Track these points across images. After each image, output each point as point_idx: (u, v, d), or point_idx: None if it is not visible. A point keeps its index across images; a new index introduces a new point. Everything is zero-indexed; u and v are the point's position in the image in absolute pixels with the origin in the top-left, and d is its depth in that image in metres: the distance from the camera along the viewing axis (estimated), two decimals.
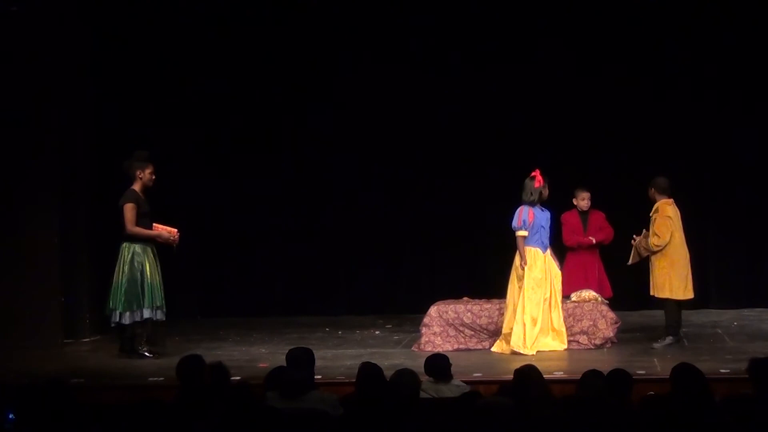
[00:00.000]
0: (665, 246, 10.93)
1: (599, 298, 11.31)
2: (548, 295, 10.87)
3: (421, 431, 6.00)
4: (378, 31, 13.73)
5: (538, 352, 10.68)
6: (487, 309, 11.30)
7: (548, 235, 11.05)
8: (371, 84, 13.71)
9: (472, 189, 13.73)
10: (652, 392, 7.45)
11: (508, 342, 10.80)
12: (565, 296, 11.20)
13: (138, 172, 10.96)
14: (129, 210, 10.85)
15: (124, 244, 10.92)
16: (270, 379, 7.25)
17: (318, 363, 7.74)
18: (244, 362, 10.50)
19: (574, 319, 11.04)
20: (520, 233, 10.85)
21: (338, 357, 10.69)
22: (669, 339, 10.93)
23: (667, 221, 10.94)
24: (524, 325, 10.75)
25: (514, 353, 10.65)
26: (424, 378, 7.60)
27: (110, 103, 13.20)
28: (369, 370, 7.12)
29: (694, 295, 11.20)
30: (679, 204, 11.15)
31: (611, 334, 11.09)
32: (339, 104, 13.86)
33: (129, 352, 10.92)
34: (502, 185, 12.64)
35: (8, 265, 11.97)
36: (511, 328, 10.79)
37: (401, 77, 13.66)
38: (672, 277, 10.97)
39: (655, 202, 11.07)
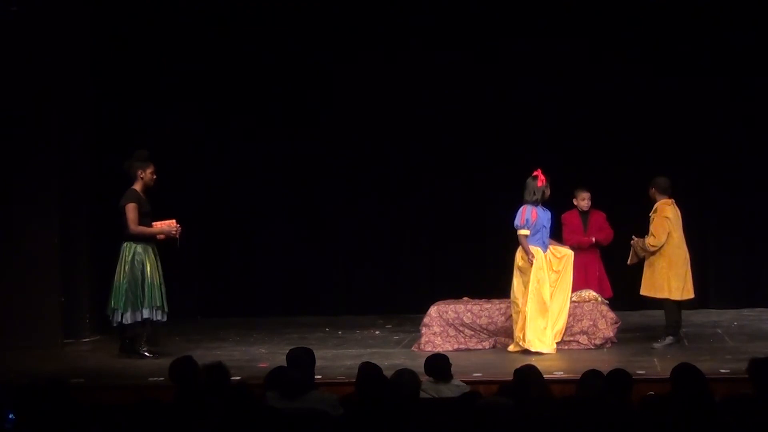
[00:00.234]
0: (661, 246, 10.93)
1: (599, 298, 11.31)
2: (550, 292, 10.86)
3: (421, 431, 6.00)
4: (378, 29, 13.72)
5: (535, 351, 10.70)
6: (487, 309, 11.30)
7: (548, 234, 11.05)
8: (372, 83, 13.70)
9: (473, 189, 13.74)
10: (652, 392, 7.45)
11: (523, 341, 10.77)
12: None
13: (139, 172, 10.96)
14: (131, 210, 10.86)
15: (125, 244, 10.92)
16: (270, 379, 7.25)
17: (318, 363, 7.74)
18: (244, 362, 10.50)
19: (574, 319, 11.04)
20: (522, 232, 10.84)
21: (338, 357, 10.69)
22: (669, 339, 10.93)
23: (664, 222, 10.94)
24: (534, 321, 10.72)
25: (533, 353, 10.63)
26: (424, 378, 7.60)
27: (110, 103, 13.20)
28: (369, 370, 7.12)
29: (694, 295, 11.20)
30: (680, 204, 11.15)
31: (611, 334, 11.09)
32: (340, 103, 13.86)
33: (129, 352, 10.92)
34: (502, 185, 12.66)
35: (8, 265, 11.97)
36: (523, 329, 10.75)
37: (401, 76, 13.66)
38: (671, 277, 10.97)
39: (655, 201, 11.07)
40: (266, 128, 13.92)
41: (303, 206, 13.97)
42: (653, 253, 10.98)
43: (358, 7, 13.62)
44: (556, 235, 11.49)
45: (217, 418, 5.95)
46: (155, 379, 9.57)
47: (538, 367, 7.01)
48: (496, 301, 11.40)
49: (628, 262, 11.23)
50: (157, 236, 11.00)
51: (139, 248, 10.88)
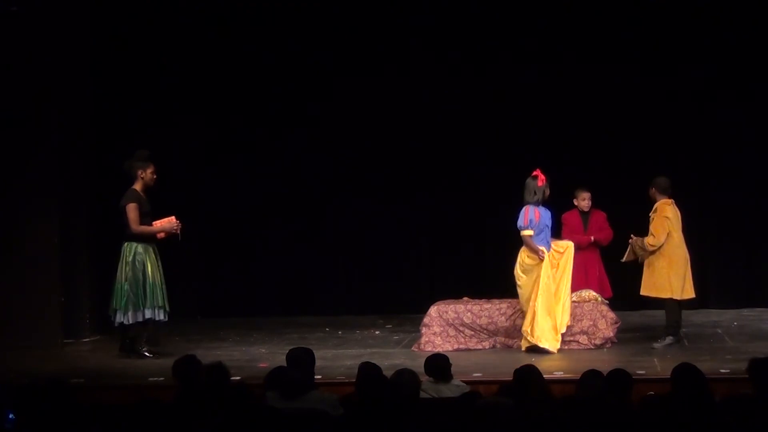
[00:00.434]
0: (661, 246, 10.94)
1: (599, 298, 11.32)
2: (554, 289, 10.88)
3: (421, 431, 6.00)
4: (378, 31, 13.73)
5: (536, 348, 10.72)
6: (487, 309, 11.30)
7: (551, 233, 11.05)
8: (372, 83, 13.71)
9: (473, 189, 13.74)
10: (652, 392, 7.46)
11: (531, 336, 10.77)
12: None
13: (139, 172, 10.96)
14: (132, 210, 10.86)
15: (125, 244, 10.92)
16: (270, 379, 7.25)
17: (318, 363, 7.74)
18: (244, 362, 10.50)
19: (574, 319, 11.04)
20: (526, 233, 10.83)
21: (338, 357, 10.69)
22: (669, 339, 10.93)
23: (664, 221, 10.94)
24: (534, 313, 10.72)
25: (537, 351, 10.66)
26: (424, 378, 7.60)
27: (110, 103, 13.20)
28: (369, 370, 7.12)
29: (695, 295, 11.20)
30: (680, 204, 11.16)
31: (611, 334, 11.09)
32: (339, 103, 13.86)
33: (129, 352, 10.92)
34: (502, 185, 12.66)
35: (8, 265, 11.97)
36: (531, 324, 10.76)
37: (401, 77, 13.67)
38: (671, 277, 10.97)
39: (655, 201, 11.08)
40: (266, 128, 13.92)
41: (303, 206, 13.97)
42: (652, 252, 10.98)
43: (358, 7, 13.62)
44: (556, 235, 11.49)
45: (218, 418, 5.95)
46: (155, 379, 9.58)
47: (538, 367, 7.00)
48: (496, 301, 11.40)
49: (623, 259, 11.23)
50: (158, 235, 11.00)
51: (140, 248, 10.88)
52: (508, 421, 5.59)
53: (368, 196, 13.94)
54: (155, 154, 11.16)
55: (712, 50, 13.35)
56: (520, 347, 10.97)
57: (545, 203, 11.01)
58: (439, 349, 10.41)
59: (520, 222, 10.88)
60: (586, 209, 11.91)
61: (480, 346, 11.15)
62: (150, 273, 10.86)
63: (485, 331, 11.22)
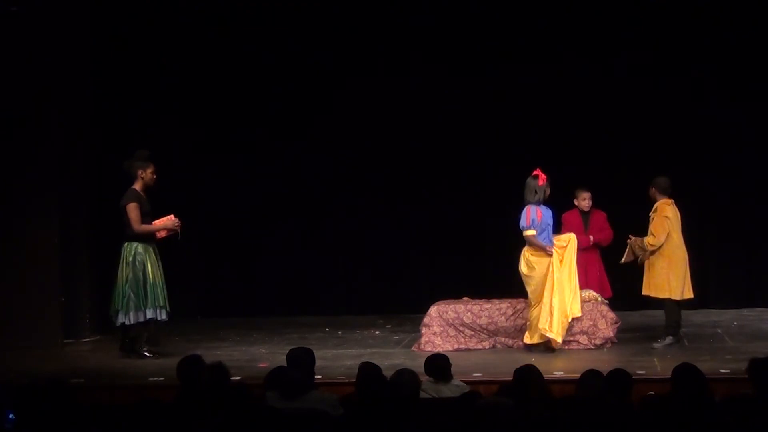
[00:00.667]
0: (660, 246, 10.94)
1: (599, 298, 11.32)
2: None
3: (421, 431, 6.00)
4: (378, 31, 13.72)
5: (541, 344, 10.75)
6: (487, 309, 11.30)
7: (553, 232, 11.06)
8: (371, 83, 13.71)
9: (472, 189, 13.74)
10: (652, 392, 7.46)
11: (550, 331, 10.77)
12: None
13: (139, 172, 10.96)
14: (133, 209, 10.86)
15: (125, 244, 10.92)
16: (270, 379, 7.24)
17: (318, 363, 7.73)
18: (244, 362, 10.50)
19: (574, 319, 11.03)
20: (529, 233, 10.82)
21: (338, 357, 10.69)
22: (669, 339, 10.94)
23: (664, 221, 10.94)
24: (551, 308, 10.72)
25: (538, 350, 10.71)
26: (424, 378, 7.60)
27: (110, 103, 13.20)
28: (369, 370, 7.12)
29: (694, 295, 11.20)
30: (680, 204, 11.16)
31: (611, 334, 11.09)
32: (339, 103, 13.86)
33: (129, 352, 10.92)
34: (502, 185, 12.65)
35: (8, 265, 11.97)
36: (549, 320, 10.76)
37: (401, 77, 13.67)
38: (670, 278, 10.97)
39: (655, 201, 11.08)
40: (266, 128, 13.92)
41: (303, 206, 13.96)
42: (652, 252, 10.98)
43: (358, 7, 13.62)
44: (556, 234, 11.49)
45: (218, 418, 5.95)
46: (155, 379, 9.59)
47: (538, 367, 7.00)
48: (496, 301, 11.40)
49: (622, 260, 11.23)
50: (159, 234, 11.00)
51: (140, 248, 10.88)
52: (508, 421, 5.59)
53: (368, 196, 13.93)
54: (155, 154, 11.16)
55: (712, 50, 13.34)
56: (520, 347, 10.98)
57: (546, 202, 11.01)
58: (439, 349, 10.41)
59: (523, 222, 10.87)
60: (586, 209, 11.91)
61: (480, 346, 11.15)
62: (150, 273, 10.86)
63: (485, 331, 11.22)
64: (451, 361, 7.96)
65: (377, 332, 12.50)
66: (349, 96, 13.80)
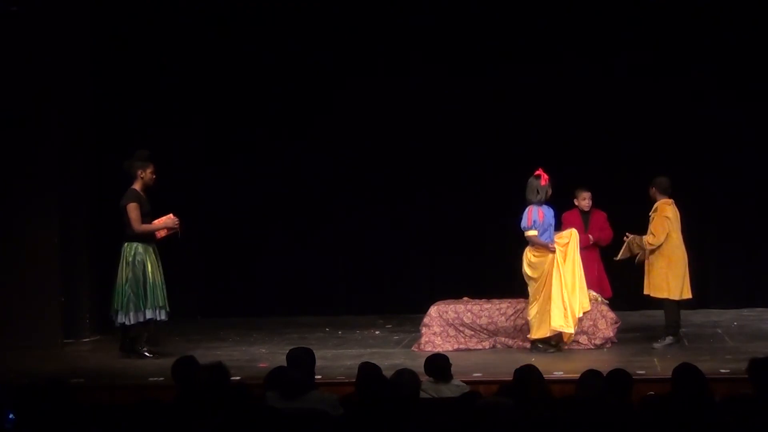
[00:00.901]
0: (660, 246, 10.94)
1: (599, 298, 11.32)
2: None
3: (421, 431, 6.00)
4: (378, 31, 13.73)
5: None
6: (487, 309, 11.30)
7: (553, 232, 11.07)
8: (371, 83, 13.71)
9: (473, 189, 13.74)
10: (652, 392, 7.46)
11: (543, 323, 10.78)
12: None
13: (139, 172, 10.96)
14: (133, 209, 10.86)
15: (125, 244, 10.92)
16: (270, 379, 7.24)
17: (318, 363, 7.73)
18: (244, 362, 10.51)
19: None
20: (531, 233, 10.82)
21: (338, 357, 10.69)
22: (669, 339, 10.94)
23: (664, 221, 10.95)
24: (563, 304, 10.73)
25: (539, 349, 10.74)
26: (424, 378, 7.60)
27: (110, 103, 13.20)
28: (369, 370, 7.11)
29: (693, 295, 11.20)
30: (680, 204, 11.16)
31: (611, 334, 11.09)
32: (339, 103, 13.86)
33: (129, 352, 10.92)
34: (502, 185, 12.66)
35: (8, 265, 11.97)
36: (538, 312, 10.76)
37: (401, 77, 13.67)
38: (669, 277, 10.97)
39: (655, 201, 11.08)
40: (266, 128, 13.92)
41: (303, 206, 13.96)
42: (651, 252, 10.98)
43: (358, 7, 13.62)
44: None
45: (217, 418, 5.95)
46: (155, 379, 9.58)
47: (538, 367, 7.00)
48: (496, 301, 11.40)
49: (618, 257, 11.23)
50: (159, 234, 11.00)
51: (140, 248, 10.88)
52: (508, 421, 5.59)
53: (368, 196, 13.93)
54: (155, 154, 11.17)
55: (712, 50, 13.34)
56: (520, 347, 10.98)
57: (546, 202, 11.00)
58: (439, 349, 10.41)
59: (524, 223, 10.87)
60: (586, 209, 11.91)
61: (480, 346, 11.15)
62: (150, 273, 10.86)
63: (485, 331, 11.22)
64: (451, 361, 7.96)
65: (377, 332, 12.50)
66: (349, 96, 13.80)
